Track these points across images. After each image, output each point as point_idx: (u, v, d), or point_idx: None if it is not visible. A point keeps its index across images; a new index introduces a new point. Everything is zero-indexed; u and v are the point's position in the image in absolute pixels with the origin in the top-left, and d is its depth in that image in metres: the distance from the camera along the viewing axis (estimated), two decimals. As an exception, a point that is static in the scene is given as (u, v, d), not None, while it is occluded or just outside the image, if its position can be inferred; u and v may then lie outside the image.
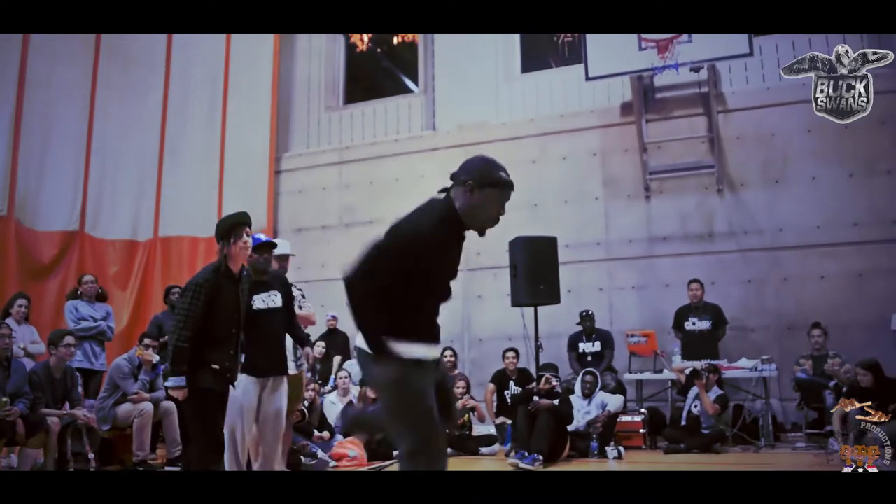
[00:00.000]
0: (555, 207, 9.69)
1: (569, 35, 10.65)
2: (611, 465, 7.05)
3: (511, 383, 8.49)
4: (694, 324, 8.61)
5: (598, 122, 9.96)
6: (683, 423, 7.96)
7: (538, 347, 7.75)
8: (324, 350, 9.29)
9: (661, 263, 9.46)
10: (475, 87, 10.52)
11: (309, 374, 6.12)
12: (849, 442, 6.61)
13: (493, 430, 8.27)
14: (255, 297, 5.12)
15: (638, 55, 8.95)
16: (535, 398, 7.29)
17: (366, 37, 12.02)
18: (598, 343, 8.88)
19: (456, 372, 8.95)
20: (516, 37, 10.80)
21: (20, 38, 9.42)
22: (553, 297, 7.74)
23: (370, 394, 7.83)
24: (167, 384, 4.37)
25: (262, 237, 5.40)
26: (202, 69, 11.24)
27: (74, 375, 6.96)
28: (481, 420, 8.39)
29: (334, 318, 10.08)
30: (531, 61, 10.81)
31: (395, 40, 11.93)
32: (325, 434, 7.48)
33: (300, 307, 5.95)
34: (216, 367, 4.32)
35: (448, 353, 9.25)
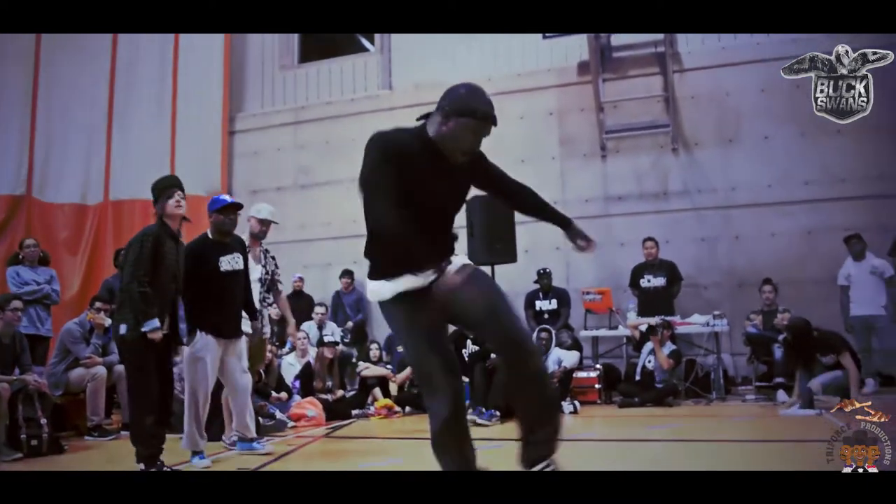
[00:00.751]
0: (511, 167, 9.39)
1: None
2: (567, 421, 7.16)
3: (469, 342, 8.51)
4: (649, 281, 8.74)
5: (555, 82, 9.95)
6: (638, 377, 8.13)
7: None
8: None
9: (616, 222, 9.55)
10: (432, 45, 10.39)
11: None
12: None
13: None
14: (221, 259, 5.19)
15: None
16: (493, 356, 7.35)
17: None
18: (554, 301, 8.97)
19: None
20: (473, -6, 10.65)
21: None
22: (510, 255, 7.78)
23: (327, 353, 7.84)
24: (144, 329, 4.47)
25: (227, 198, 5.43)
26: (152, 27, 10.92)
27: (23, 340, 6.79)
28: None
29: (301, 279, 10.02)
30: (488, 19, 10.69)
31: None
32: (283, 395, 7.48)
33: (279, 281, 6.15)
34: (157, 320, 4.43)
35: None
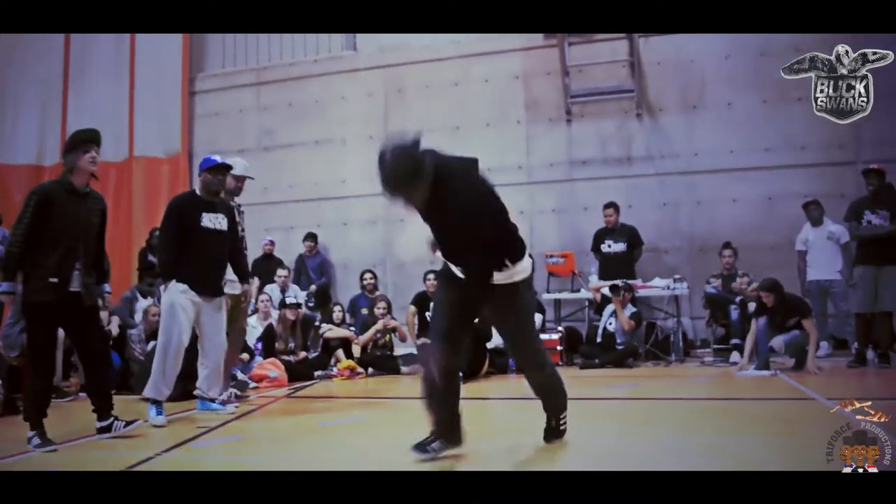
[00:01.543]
0: (476, 130, 9.63)
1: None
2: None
3: (432, 305, 8.54)
4: (609, 246, 8.80)
5: (520, 45, 9.87)
6: (599, 340, 8.22)
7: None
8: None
9: (580, 187, 9.58)
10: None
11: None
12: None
13: (414, 351, 8.36)
14: (203, 215, 5.24)
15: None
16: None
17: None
18: (518, 265, 8.97)
19: (377, 293, 9.03)
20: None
21: None
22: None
23: (289, 315, 7.80)
24: None
25: (217, 158, 5.49)
26: (107, -19, 10.60)
27: (-24, 301, 6.65)
28: (402, 340, 8.47)
29: (271, 242, 9.91)
30: (454, -19, 10.55)
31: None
32: (245, 356, 7.42)
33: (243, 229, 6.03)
34: (54, 279, 4.28)
35: (368, 275, 9.30)
